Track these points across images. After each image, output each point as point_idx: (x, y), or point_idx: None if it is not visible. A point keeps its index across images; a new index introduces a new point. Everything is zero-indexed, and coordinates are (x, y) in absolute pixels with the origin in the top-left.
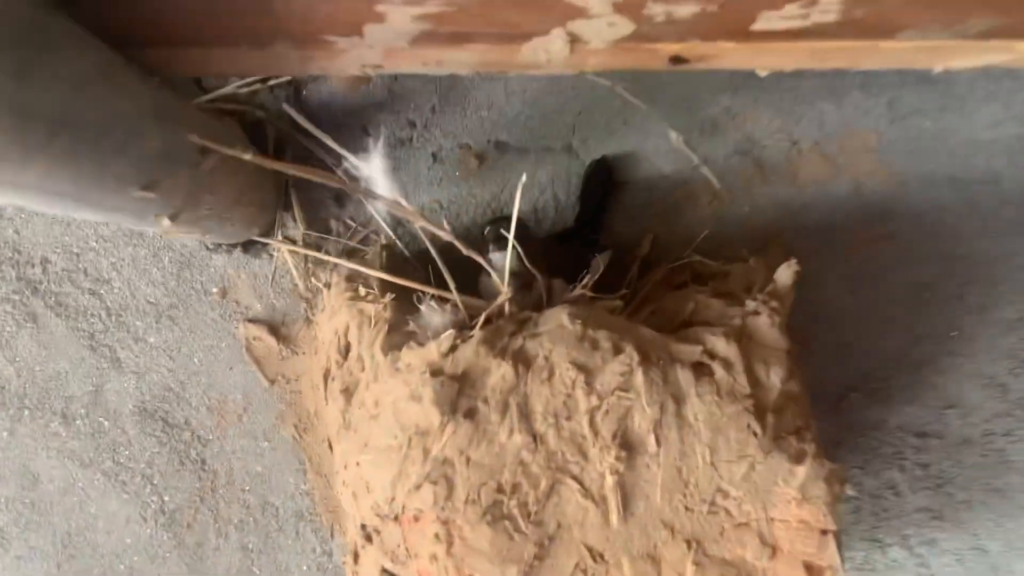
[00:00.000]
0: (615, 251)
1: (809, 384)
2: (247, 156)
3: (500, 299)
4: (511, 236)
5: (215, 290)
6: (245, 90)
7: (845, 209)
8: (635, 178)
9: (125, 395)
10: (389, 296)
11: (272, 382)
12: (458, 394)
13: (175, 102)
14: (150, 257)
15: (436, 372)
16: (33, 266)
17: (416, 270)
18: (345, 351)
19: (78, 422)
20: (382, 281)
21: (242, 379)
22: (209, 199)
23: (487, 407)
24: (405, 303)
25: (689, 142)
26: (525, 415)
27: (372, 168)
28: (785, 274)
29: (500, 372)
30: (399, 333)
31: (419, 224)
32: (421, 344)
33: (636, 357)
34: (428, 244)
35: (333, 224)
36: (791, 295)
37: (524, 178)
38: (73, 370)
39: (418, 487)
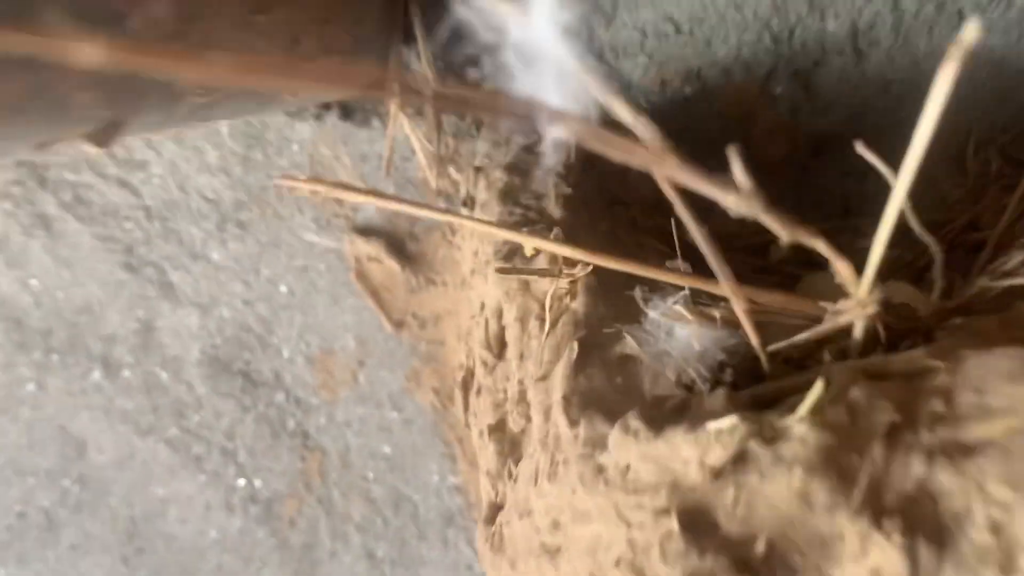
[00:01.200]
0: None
1: None
2: None
3: (843, 318)
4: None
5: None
6: None
7: None
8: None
9: (186, 337)
10: (583, 269)
11: (398, 325)
12: None
13: None
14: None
15: (696, 522)
16: None
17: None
18: (499, 346)
19: (125, 372)
20: (565, 207)
21: (354, 318)
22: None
23: None
24: (617, 274)
25: None
26: None
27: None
28: None
29: (873, 559)
30: (601, 361)
31: (664, 183)
32: (651, 421)
33: None
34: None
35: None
36: None
37: None
38: (109, 299)
39: None
